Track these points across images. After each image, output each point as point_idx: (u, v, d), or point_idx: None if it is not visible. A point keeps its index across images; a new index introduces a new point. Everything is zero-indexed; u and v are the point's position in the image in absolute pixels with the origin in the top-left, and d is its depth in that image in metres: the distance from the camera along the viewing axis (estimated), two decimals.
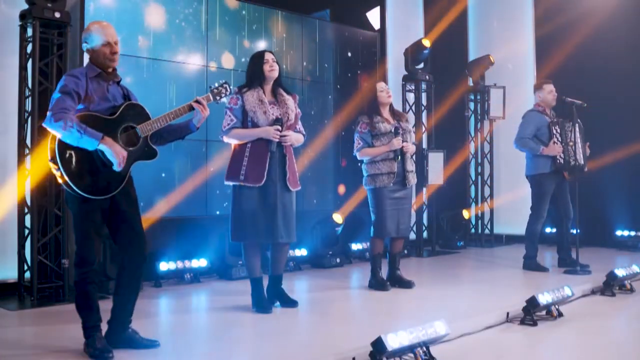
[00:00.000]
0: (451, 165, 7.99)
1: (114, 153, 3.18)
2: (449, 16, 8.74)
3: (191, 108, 3.48)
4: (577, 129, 5.99)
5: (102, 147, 3.15)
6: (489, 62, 8.20)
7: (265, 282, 4.48)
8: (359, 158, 5.21)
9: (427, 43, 7.41)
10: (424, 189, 7.70)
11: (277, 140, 4.27)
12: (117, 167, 3.20)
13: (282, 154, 4.36)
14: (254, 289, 4.40)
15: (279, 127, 4.27)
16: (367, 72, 7.62)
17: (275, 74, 4.41)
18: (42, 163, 4.70)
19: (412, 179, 5.21)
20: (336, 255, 6.57)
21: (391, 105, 5.29)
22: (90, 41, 3.31)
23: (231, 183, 4.32)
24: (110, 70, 3.36)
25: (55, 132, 3.12)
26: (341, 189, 7.27)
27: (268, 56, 4.41)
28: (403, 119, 5.29)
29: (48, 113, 3.13)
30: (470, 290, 5.25)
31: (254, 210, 4.25)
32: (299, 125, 4.52)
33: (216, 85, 3.69)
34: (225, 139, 4.36)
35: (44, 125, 3.16)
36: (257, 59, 4.43)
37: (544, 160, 6.04)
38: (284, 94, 4.46)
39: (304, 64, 6.99)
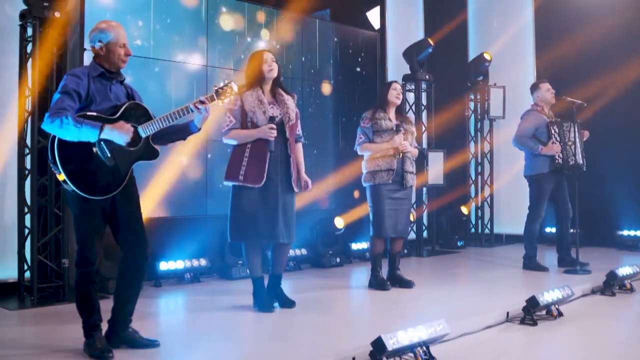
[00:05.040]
0: (451, 165, 7.99)
1: (119, 133, 3.14)
2: (449, 16, 8.76)
3: (195, 108, 3.39)
4: (575, 128, 5.99)
5: (105, 134, 3.10)
6: (484, 60, 8.20)
7: (265, 282, 4.49)
8: (359, 153, 5.24)
9: (430, 41, 7.43)
10: (424, 189, 7.71)
11: (273, 139, 4.18)
12: (124, 143, 3.18)
13: (286, 154, 4.32)
14: (256, 288, 4.40)
15: (274, 126, 4.19)
16: (367, 72, 7.63)
17: (274, 74, 4.34)
18: (42, 163, 4.71)
19: (411, 180, 5.20)
20: (336, 255, 6.57)
21: (399, 107, 5.32)
22: (105, 39, 3.27)
23: (230, 183, 4.29)
24: (115, 69, 3.33)
25: (54, 132, 3.09)
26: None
27: (267, 56, 4.34)
28: (407, 121, 5.31)
29: (45, 114, 3.10)
30: (470, 290, 5.24)
31: (254, 211, 4.21)
32: (299, 127, 4.51)
33: (221, 84, 3.54)
34: (225, 140, 4.34)
35: (42, 127, 3.13)
36: (256, 59, 4.36)
37: (543, 160, 6.04)
38: (283, 93, 4.40)
39: (304, 63, 6.98)
